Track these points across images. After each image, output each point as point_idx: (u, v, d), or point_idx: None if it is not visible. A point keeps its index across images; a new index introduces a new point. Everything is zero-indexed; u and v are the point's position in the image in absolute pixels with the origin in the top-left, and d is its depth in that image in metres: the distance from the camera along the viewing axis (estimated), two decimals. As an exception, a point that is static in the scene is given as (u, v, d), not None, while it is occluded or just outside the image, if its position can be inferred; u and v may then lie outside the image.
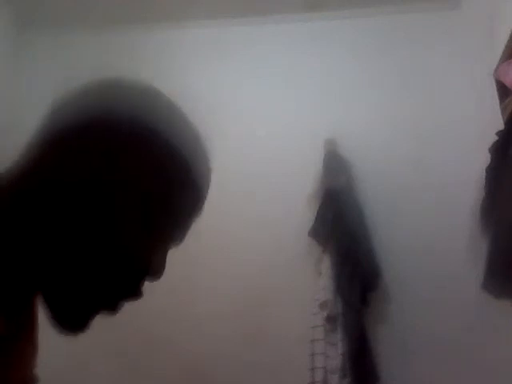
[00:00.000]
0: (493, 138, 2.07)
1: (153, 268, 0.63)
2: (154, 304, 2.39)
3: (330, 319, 2.28)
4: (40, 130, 0.64)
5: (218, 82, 2.75)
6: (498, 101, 2.25)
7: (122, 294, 0.62)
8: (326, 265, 2.37)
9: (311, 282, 2.39)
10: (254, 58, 2.82)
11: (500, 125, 2.14)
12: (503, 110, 2.20)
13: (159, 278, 0.64)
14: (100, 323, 0.63)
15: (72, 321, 0.61)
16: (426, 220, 2.46)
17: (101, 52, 2.72)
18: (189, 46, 2.82)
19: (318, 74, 2.75)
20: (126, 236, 0.61)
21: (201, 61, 2.79)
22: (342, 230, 2.38)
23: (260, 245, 2.51)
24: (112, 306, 0.63)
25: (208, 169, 0.68)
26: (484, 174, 2.08)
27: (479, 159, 2.10)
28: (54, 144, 0.62)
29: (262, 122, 2.69)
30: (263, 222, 2.53)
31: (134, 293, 0.63)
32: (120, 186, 0.61)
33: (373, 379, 2.26)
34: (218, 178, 2.73)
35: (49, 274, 0.60)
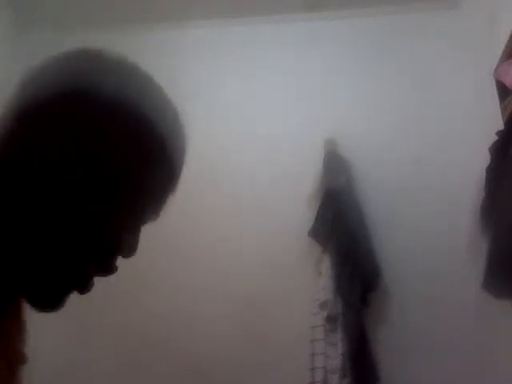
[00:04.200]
0: (493, 137, 2.07)
1: (125, 244, 0.63)
2: (155, 304, 2.40)
3: (330, 319, 2.28)
4: (14, 100, 0.63)
5: (217, 82, 2.75)
6: (498, 101, 2.25)
7: (93, 270, 0.62)
8: (326, 265, 2.37)
9: (311, 282, 2.39)
10: (253, 58, 2.81)
11: (500, 125, 2.15)
12: (503, 110, 2.20)
13: (132, 254, 0.64)
14: (100, 323, 0.63)
15: (44, 299, 0.61)
16: (426, 220, 2.46)
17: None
18: (189, 46, 2.82)
19: (318, 73, 2.75)
20: (96, 211, 0.60)
21: (201, 61, 2.79)
22: (342, 230, 2.38)
23: (260, 245, 2.51)
24: (84, 283, 0.62)
25: (184, 147, 0.68)
26: (484, 174, 2.09)
27: (479, 159, 2.10)
28: (29, 115, 0.60)
29: (262, 122, 2.69)
30: (263, 222, 2.53)
31: (106, 269, 0.62)
32: (94, 159, 0.60)
33: (373, 379, 2.26)
34: (217, 178, 2.73)
35: (19, 252, 0.59)
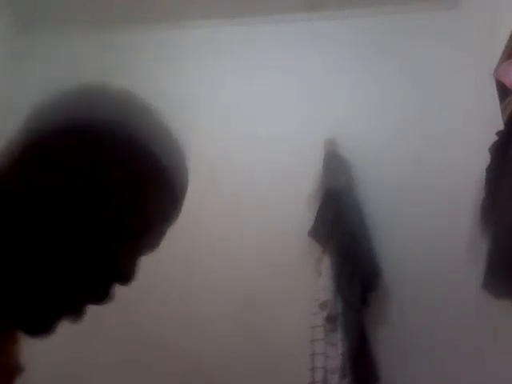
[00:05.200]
0: (493, 138, 2.07)
1: (122, 273, 0.63)
2: (155, 304, 2.40)
3: (330, 319, 2.28)
4: (21, 132, 0.64)
5: (217, 82, 2.75)
6: (498, 101, 2.25)
7: (88, 298, 0.61)
8: (326, 265, 2.37)
9: (311, 282, 2.39)
10: (253, 58, 2.82)
11: (500, 125, 2.15)
12: (503, 110, 2.21)
13: (129, 283, 0.63)
14: (101, 323, 0.63)
15: (35, 325, 0.61)
16: (426, 220, 2.46)
17: (101, 52, 2.72)
18: (189, 46, 2.82)
19: (318, 73, 2.75)
20: (95, 240, 0.60)
21: (201, 61, 2.79)
22: (342, 230, 2.38)
23: (260, 245, 2.51)
24: (77, 310, 0.62)
25: (186, 179, 0.69)
26: (484, 174, 2.09)
27: (479, 159, 2.10)
28: (34, 146, 0.62)
29: (261, 122, 2.69)
30: (263, 222, 2.53)
31: (102, 297, 0.62)
32: (96, 190, 0.60)
33: (373, 379, 2.25)
34: (217, 178, 2.72)
35: (13, 278, 0.59)
